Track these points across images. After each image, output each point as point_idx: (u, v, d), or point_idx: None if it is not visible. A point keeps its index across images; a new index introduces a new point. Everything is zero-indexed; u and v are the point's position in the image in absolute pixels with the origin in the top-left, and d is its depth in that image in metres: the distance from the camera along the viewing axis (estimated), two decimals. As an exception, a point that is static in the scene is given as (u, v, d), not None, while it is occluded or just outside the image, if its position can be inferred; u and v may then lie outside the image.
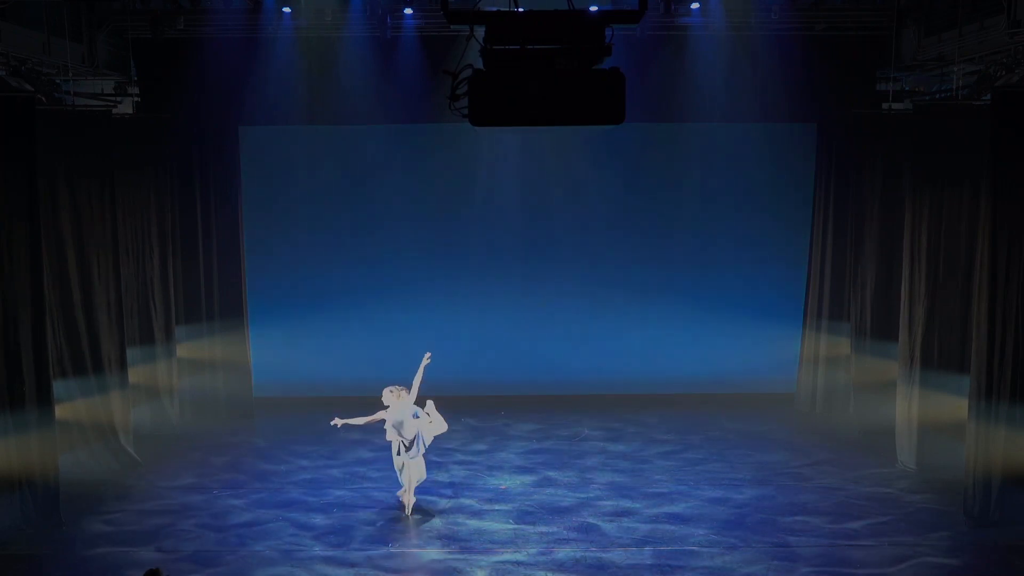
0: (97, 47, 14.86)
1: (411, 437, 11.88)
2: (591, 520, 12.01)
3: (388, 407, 11.93)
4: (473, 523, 11.99)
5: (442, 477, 13.58)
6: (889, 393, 14.37)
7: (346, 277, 17.27)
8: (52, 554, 11.12)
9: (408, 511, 12.11)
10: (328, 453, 14.63)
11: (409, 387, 12.00)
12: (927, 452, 13.46)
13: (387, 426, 11.97)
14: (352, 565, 10.83)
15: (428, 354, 12.29)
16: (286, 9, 14.82)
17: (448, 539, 11.51)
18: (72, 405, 13.24)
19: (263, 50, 15.40)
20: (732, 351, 17.24)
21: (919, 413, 13.46)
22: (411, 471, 12.12)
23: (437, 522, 12.03)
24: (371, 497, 12.87)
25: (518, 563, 10.85)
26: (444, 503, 12.63)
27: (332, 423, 12.14)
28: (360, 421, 12.20)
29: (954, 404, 12.92)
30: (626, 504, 12.59)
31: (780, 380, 17.26)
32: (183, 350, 16.35)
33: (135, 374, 14.78)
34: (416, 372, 12.19)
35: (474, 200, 17.31)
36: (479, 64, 7.47)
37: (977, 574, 10.68)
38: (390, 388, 11.96)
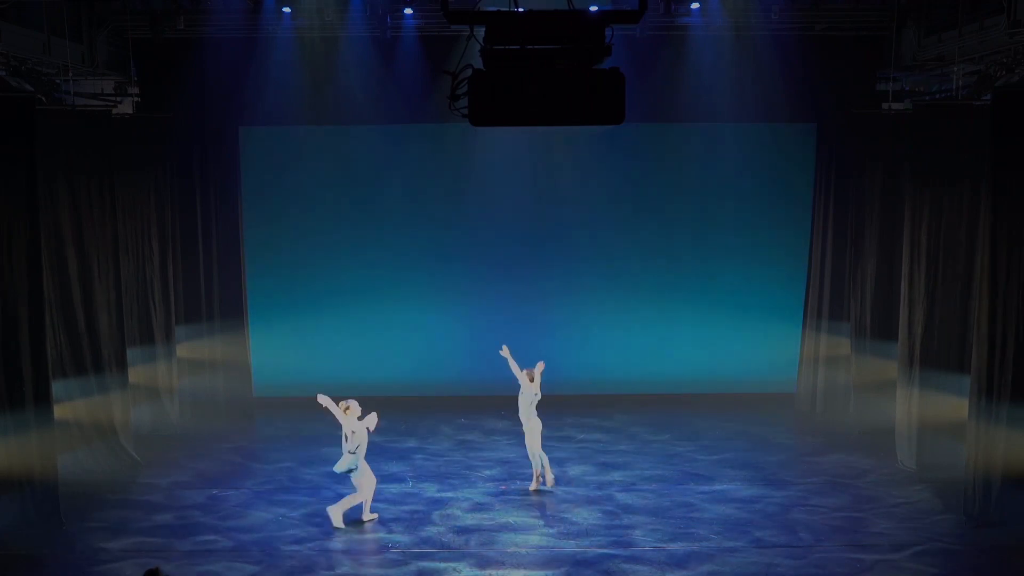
0: (97, 47, 14.87)
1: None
2: (593, 519, 12.00)
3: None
4: (472, 522, 11.99)
5: (443, 477, 13.63)
6: (889, 393, 14.37)
7: (346, 277, 17.27)
8: (52, 554, 11.11)
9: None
10: (327, 453, 14.59)
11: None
12: (927, 452, 13.45)
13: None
14: (352, 564, 10.83)
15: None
16: (286, 9, 14.83)
17: (450, 539, 11.51)
18: (72, 405, 13.24)
19: (263, 50, 15.42)
20: (732, 351, 17.26)
21: (919, 413, 13.45)
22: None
23: (438, 522, 12.04)
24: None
25: (519, 563, 10.85)
26: (444, 503, 12.64)
27: None
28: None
29: (954, 404, 12.92)
30: (625, 504, 12.59)
31: (780, 380, 17.26)
32: (183, 350, 16.35)
33: (135, 374, 14.78)
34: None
35: (473, 201, 17.29)
36: (479, 64, 7.47)
37: (977, 574, 10.69)
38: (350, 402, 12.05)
